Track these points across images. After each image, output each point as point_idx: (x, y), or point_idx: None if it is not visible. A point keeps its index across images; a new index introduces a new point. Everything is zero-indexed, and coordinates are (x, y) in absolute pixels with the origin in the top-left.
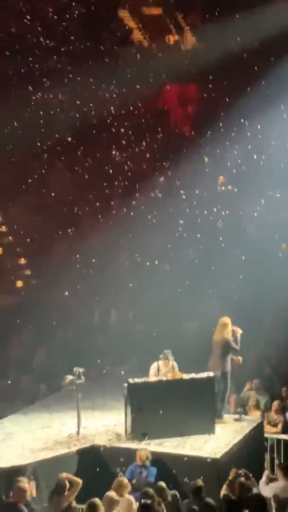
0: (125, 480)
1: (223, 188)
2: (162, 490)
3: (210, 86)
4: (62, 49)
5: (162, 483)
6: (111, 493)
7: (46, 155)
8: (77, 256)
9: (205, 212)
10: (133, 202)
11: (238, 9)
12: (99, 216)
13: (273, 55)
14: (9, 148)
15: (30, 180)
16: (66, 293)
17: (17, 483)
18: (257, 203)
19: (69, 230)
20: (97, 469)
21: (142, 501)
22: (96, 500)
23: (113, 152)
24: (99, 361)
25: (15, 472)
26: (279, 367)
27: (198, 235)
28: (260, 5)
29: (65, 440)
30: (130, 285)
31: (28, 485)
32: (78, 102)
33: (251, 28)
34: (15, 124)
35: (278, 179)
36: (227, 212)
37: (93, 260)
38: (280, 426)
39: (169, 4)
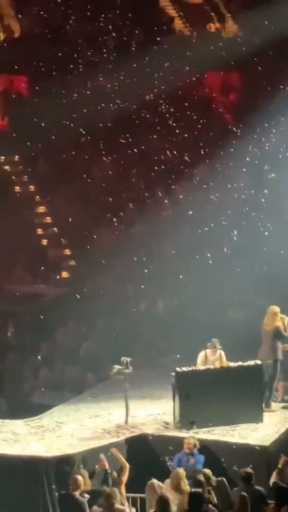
0: (181, 471)
1: (268, 176)
2: (207, 478)
3: (252, 73)
4: (104, 38)
5: (207, 471)
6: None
7: (89, 144)
8: (122, 245)
9: (248, 200)
10: (177, 191)
11: None
12: (143, 205)
13: None
14: (53, 139)
15: (73, 170)
16: (111, 283)
17: (74, 474)
18: None
19: (113, 219)
20: (146, 458)
21: (192, 490)
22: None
23: (156, 141)
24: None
25: (64, 461)
26: None
27: (243, 222)
28: None
29: (114, 429)
30: (177, 274)
31: (84, 475)
32: (121, 92)
33: None
34: (59, 114)
35: None
36: (270, 199)
37: (139, 250)
38: None
39: None
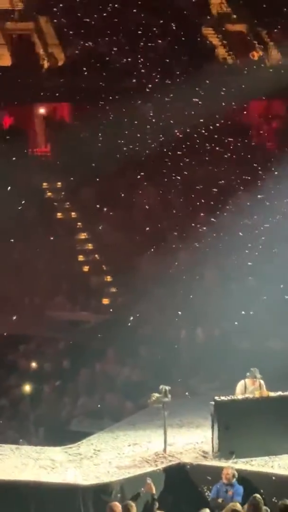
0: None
1: None
2: (257, 505)
3: None
4: (148, 65)
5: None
6: None
7: (132, 172)
8: (163, 273)
9: None
10: (219, 218)
11: None
12: (186, 233)
13: None
14: (96, 165)
15: (116, 198)
16: (152, 310)
17: (110, 505)
18: None
19: (155, 247)
20: (183, 487)
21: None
22: None
23: (199, 168)
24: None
25: (102, 489)
26: None
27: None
28: None
29: (152, 458)
30: (219, 302)
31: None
32: (165, 119)
33: None
34: (102, 141)
35: None
36: None
37: (183, 277)
38: None
39: (253, 20)
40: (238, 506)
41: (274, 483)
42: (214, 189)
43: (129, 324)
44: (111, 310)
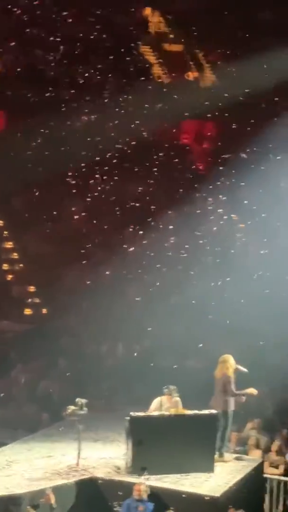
0: None
1: (236, 225)
2: None
3: (227, 123)
4: (82, 80)
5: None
6: None
7: (62, 184)
8: (88, 287)
9: (216, 248)
10: (145, 236)
11: (258, 49)
12: (111, 248)
13: None
14: (27, 176)
15: (45, 209)
16: (74, 323)
17: None
18: (268, 242)
19: (81, 260)
20: (95, 502)
21: None
22: None
23: (129, 186)
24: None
25: (11, 501)
26: (281, 407)
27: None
28: (279, 45)
29: (64, 471)
30: (140, 319)
31: None
32: (97, 133)
33: (270, 68)
34: (34, 152)
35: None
36: (236, 249)
37: (107, 292)
38: (282, 467)
39: (191, 41)
40: None
41: (184, 500)
42: (142, 207)
43: (50, 335)
44: (33, 320)
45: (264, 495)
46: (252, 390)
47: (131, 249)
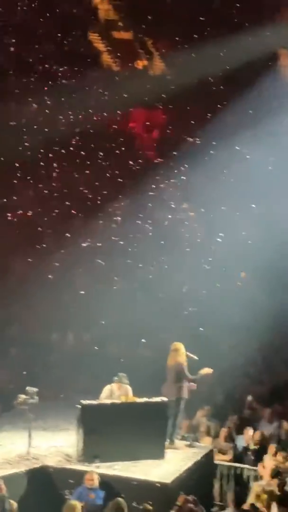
0: (78, 505)
1: (185, 214)
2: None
3: (176, 112)
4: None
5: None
6: None
7: (9, 173)
8: (37, 275)
9: (166, 237)
10: (94, 224)
11: (206, 37)
12: (60, 236)
13: (237, 85)
14: None
15: None
16: (24, 312)
17: None
18: (220, 228)
19: (30, 248)
20: (46, 490)
21: None
22: None
23: (77, 174)
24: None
25: None
26: (231, 394)
27: (159, 258)
28: (227, 35)
29: (15, 460)
30: (89, 307)
31: None
32: (45, 121)
33: (218, 56)
34: None
35: (241, 204)
36: (186, 237)
37: (50, 277)
38: (230, 454)
39: (140, 29)
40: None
41: (135, 487)
42: (92, 195)
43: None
44: None
45: (214, 482)
46: (207, 370)
47: (80, 237)
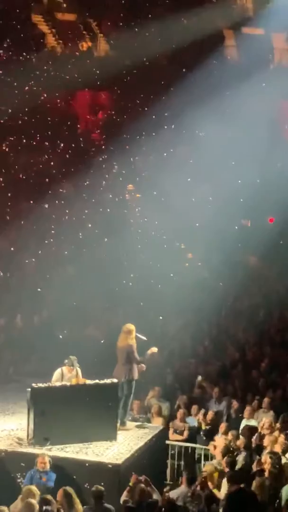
0: (33, 488)
1: (132, 195)
2: (69, 496)
3: (121, 93)
4: None
5: (68, 488)
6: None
7: None
8: None
9: (113, 219)
10: (41, 206)
11: (150, 18)
12: (5, 218)
13: (182, 65)
14: None
15: None
16: None
17: None
18: (167, 210)
19: None
20: None
21: (44, 507)
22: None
23: (22, 156)
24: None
25: None
26: (180, 374)
27: (105, 240)
28: (170, 16)
29: None
30: (38, 289)
31: None
32: None
33: (163, 37)
34: None
35: (185, 187)
36: (133, 219)
37: (2, 264)
38: (185, 433)
39: (83, 10)
40: (49, 496)
41: (87, 469)
42: (37, 177)
43: None
44: None
45: (166, 461)
46: (153, 349)
47: (26, 220)
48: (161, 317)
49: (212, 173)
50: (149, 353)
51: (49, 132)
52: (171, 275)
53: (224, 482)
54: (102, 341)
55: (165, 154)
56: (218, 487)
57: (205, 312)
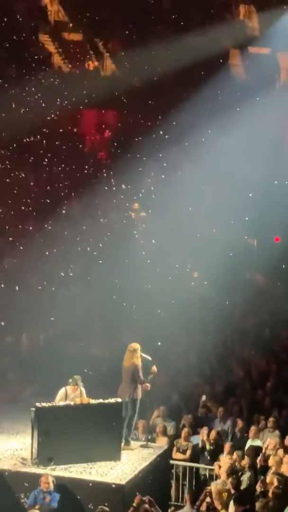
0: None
1: (137, 214)
2: None
3: (127, 112)
4: None
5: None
6: None
7: None
8: None
9: (119, 238)
10: (46, 225)
11: (156, 38)
12: (12, 238)
13: (189, 85)
14: None
15: None
16: None
17: None
18: (169, 229)
19: None
20: (1, 494)
21: None
22: None
23: (29, 175)
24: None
25: None
26: (184, 393)
27: (111, 258)
28: (176, 35)
29: None
30: (44, 309)
31: None
32: None
33: (169, 56)
34: None
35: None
36: (139, 238)
37: (9, 282)
38: (188, 452)
39: (90, 30)
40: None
41: (91, 489)
42: (44, 196)
43: None
44: None
45: (170, 481)
46: (153, 368)
47: (32, 238)
48: (159, 343)
49: (218, 192)
50: (151, 372)
51: (55, 151)
52: (174, 299)
53: (231, 504)
54: (105, 361)
55: (171, 172)
56: (226, 508)
57: (210, 331)
